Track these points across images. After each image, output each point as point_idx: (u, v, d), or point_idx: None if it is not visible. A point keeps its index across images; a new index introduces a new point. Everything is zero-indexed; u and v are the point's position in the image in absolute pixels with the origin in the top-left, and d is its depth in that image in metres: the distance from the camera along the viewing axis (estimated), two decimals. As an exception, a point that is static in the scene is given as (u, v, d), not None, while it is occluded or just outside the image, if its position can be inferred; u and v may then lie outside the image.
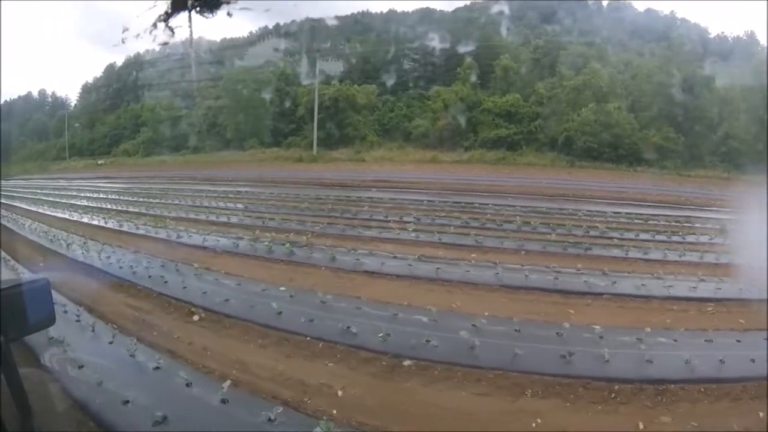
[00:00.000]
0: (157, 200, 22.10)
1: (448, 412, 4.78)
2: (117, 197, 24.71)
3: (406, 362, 5.56)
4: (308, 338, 6.31)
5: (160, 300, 8.26)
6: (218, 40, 52.71)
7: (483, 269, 8.93)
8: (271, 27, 54.20)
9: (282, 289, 7.94)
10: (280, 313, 6.90)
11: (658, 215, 16.44)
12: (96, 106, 49.67)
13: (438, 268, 8.97)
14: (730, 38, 48.17)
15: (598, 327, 6.31)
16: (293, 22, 52.63)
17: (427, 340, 5.84)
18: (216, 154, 43.05)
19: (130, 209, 19.82)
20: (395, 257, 9.58)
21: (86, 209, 21.02)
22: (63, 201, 25.11)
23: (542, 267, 8.94)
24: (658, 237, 12.78)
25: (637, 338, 6.01)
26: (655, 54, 45.22)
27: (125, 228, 15.24)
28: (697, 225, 14.98)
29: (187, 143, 43.95)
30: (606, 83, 39.02)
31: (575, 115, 37.52)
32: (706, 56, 40.78)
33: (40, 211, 22.42)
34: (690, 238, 12.83)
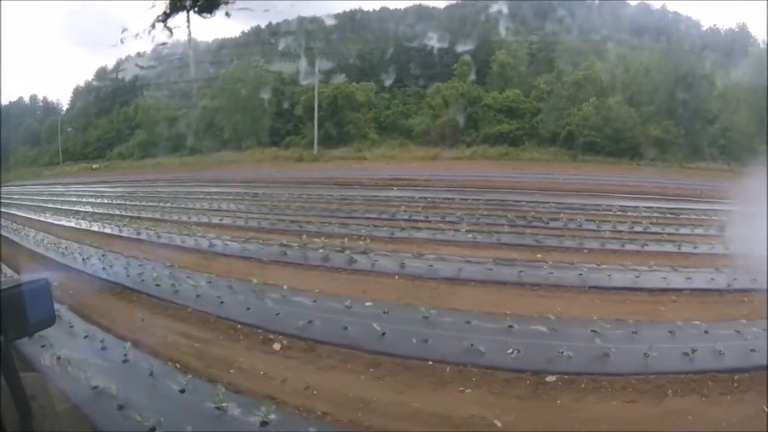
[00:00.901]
0: (169, 204, 21.35)
1: (612, 425, 4.49)
2: (123, 202, 23.90)
3: (549, 378, 5.23)
4: (429, 362, 5.78)
5: (221, 325, 7.30)
6: (210, 40, 51.70)
7: (562, 270, 8.67)
8: (263, 26, 53.69)
9: (368, 304, 7.30)
10: (383, 334, 6.29)
11: (689, 209, 16.39)
12: (88, 110, 48.35)
13: (521, 271, 8.62)
14: (722, 31, 48.71)
15: (697, 322, 6.23)
16: (285, 21, 51.98)
17: (560, 352, 5.53)
18: (213, 155, 42.17)
19: (144, 215, 19.06)
20: (469, 261, 9.19)
21: (94, 216, 20.17)
22: (65, 207, 24.23)
23: (619, 266, 8.73)
24: (708, 231, 12.65)
25: (735, 330, 5.96)
26: (648, 47, 45.75)
27: (145, 236, 14.49)
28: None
29: (182, 144, 42.97)
30: (606, 78, 39.09)
31: (576, 110, 37.61)
32: (703, 50, 41.17)
33: (42, 219, 21.44)
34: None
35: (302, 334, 6.56)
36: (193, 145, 43.01)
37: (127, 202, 23.81)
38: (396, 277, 8.75)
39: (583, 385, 5.18)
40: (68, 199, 28.00)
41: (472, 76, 43.45)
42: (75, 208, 23.59)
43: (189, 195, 24.28)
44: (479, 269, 8.87)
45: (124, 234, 15.43)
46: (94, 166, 43.69)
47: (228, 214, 16.97)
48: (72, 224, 18.87)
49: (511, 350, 5.67)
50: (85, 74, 66.59)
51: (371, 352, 5.93)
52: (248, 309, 7.38)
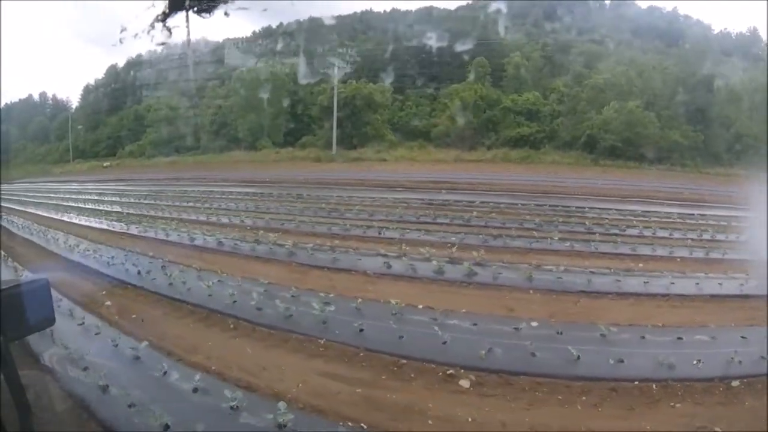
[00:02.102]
0: (206, 205, 20.61)
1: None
2: (153, 201, 23.05)
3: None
4: (628, 382, 5.38)
5: (377, 360, 5.99)
6: (221, 40, 51.19)
7: (679, 279, 8.63)
8: (274, 26, 53.21)
9: (534, 324, 6.71)
10: (578, 357, 5.76)
11: (734, 216, 16.22)
12: (99, 108, 47.53)
13: (618, 280, 8.56)
14: (733, 35, 49.11)
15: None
16: (296, 21, 51.50)
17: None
18: (227, 155, 41.71)
19: (185, 216, 18.14)
20: (568, 270, 8.87)
21: (128, 217, 19.00)
22: (90, 207, 23.29)
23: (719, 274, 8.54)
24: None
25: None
26: (659, 51, 45.97)
27: (207, 243, 13.08)
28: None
29: (195, 143, 42.35)
30: (624, 82, 39.13)
31: (596, 114, 37.58)
32: (717, 55, 41.37)
33: (65, 218, 20.20)
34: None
35: (487, 365, 5.63)
36: (206, 144, 42.39)
37: (158, 202, 22.99)
38: (530, 291, 8.24)
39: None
40: (89, 197, 27.10)
41: (487, 78, 43.52)
42: (101, 208, 22.68)
43: (225, 196, 23.49)
44: (607, 281, 8.51)
45: (173, 239, 14.11)
46: (105, 164, 43.03)
47: (289, 218, 15.86)
48: (104, 226, 17.66)
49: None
50: (95, 73, 66.59)
51: (571, 378, 5.45)
52: (401, 337, 6.24)
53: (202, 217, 17.70)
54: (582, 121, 37.90)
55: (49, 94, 52.61)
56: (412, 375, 5.65)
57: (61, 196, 28.70)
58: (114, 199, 26.01)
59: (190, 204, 21.33)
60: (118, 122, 45.77)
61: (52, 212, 22.58)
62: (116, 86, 48.23)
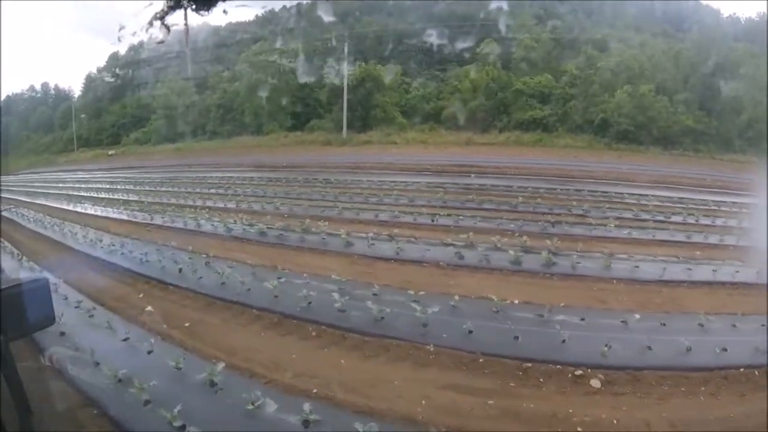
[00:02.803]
0: (231, 191, 20.10)
1: None
2: (172, 189, 22.43)
3: None
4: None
5: (500, 366, 5.69)
6: (223, 24, 49.90)
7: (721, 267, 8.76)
8: (277, 10, 51.98)
9: (637, 316, 6.41)
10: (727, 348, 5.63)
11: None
12: (102, 96, 46.43)
13: (688, 269, 8.57)
14: (742, 19, 48.57)
15: None
16: (298, 4, 50.36)
17: None
18: (235, 140, 40.91)
19: (213, 204, 17.64)
20: (642, 259, 8.73)
21: (149, 206, 18.19)
22: (103, 196, 22.58)
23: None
24: None
25: None
26: (669, 35, 45.49)
27: (243, 233, 12.47)
28: None
29: (201, 129, 41.55)
30: (638, 66, 38.71)
31: (608, 98, 37.22)
32: (728, 40, 40.89)
33: (79, 209, 19.51)
34: None
35: (612, 362, 5.44)
36: (213, 129, 41.59)
37: (178, 189, 22.45)
38: (613, 281, 8.07)
39: None
40: (101, 186, 26.51)
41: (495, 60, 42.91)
42: (117, 197, 22.12)
43: (250, 181, 22.90)
44: (678, 269, 8.42)
45: (207, 229, 13.32)
46: (110, 152, 42.20)
47: (327, 204, 15.34)
48: (125, 217, 16.92)
49: None
50: (96, 61, 65.59)
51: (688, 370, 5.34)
52: (516, 338, 5.94)
53: (231, 205, 17.12)
54: (595, 105, 37.49)
55: (51, 84, 51.43)
56: (541, 379, 5.43)
57: (71, 185, 28.09)
58: (129, 187, 25.48)
59: (214, 191, 20.79)
60: (121, 110, 44.78)
61: (64, 203, 21.99)
62: (119, 73, 47.07)
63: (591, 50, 41.15)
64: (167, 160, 35.39)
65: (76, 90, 50.55)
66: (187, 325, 7.17)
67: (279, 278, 8.40)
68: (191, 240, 12.17)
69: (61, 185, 28.81)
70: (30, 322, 1.59)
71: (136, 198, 21.33)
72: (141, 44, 46.08)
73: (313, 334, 6.72)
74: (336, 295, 7.26)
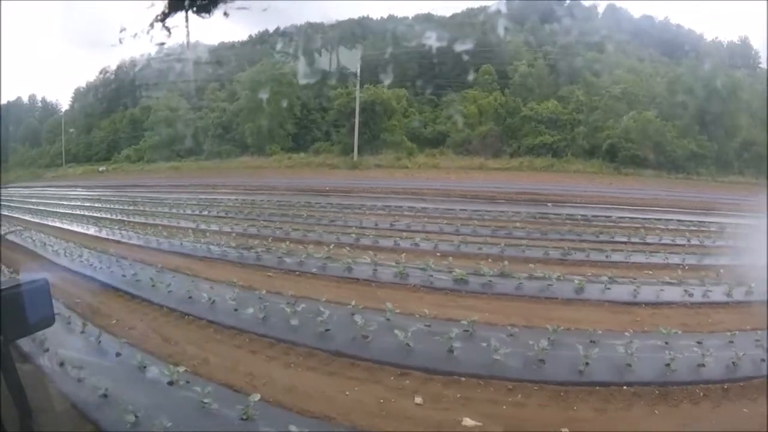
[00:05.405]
0: (261, 218, 18.34)
1: None
2: (194, 212, 20.47)
3: None
4: None
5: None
6: (216, 43, 48.71)
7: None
8: (271, 31, 51.33)
9: None
10: None
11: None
12: (90, 111, 44.25)
13: None
14: (724, 43, 50.69)
15: None
16: (293, 25, 49.83)
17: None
18: (235, 160, 39.32)
19: (244, 230, 15.80)
20: None
21: (179, 231, 16.09)
22: (118, 218, 20.36)
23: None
24: None
25: None
26: (655, 59, 47.14)
27: (300, 264, 10.82)
28: None
29: (198, 148, 39.65)
30: (641, 91, 39.70)
31: (614, 123, 37.87)
32: (724, 65, 42.52)
33: (94, 233, 17.21)
34: None
35: None
36: (210, 148, 39.77)
37: (201, 213, 20.44)
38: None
39: None
40: (110, 206, 24.25)
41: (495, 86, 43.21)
42: (132, 219, 19.88)
43: (277, 205, 21.24)
44: None
45: (251, 260, 11.55)
46: (101, 169, 39.99)
47: (382, 233, 14.04)
48: (153, 244, 14.44)
49: None
50: (86, 75, 64.79)
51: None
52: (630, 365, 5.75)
53: (266, 231, 15.25)
54: (602, 130, 38.05)
55: (39, 97, 49.47)
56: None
57: (76, 203, 25.74)
58: (142, 208, 23.42)
59: (243, 216, 19.03)
60: (111, 125, 42.67)
61: (65, 223, 19.80)
62: (110, 88, 44.96)
63: (590, 76, 42.04)
64: (169, 179, 33.52)
65: (64, 103, 49.42)
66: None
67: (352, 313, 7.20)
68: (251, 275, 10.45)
69: (65, 203, 26.13)
70: (29, 323, 1.56)
71: (154, 220, 19.18)
72: (133, 59, 44.40)
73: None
74: (415, 334, 6.59)
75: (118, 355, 6.61)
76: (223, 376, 6.13)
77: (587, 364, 5.98)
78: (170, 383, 5.71)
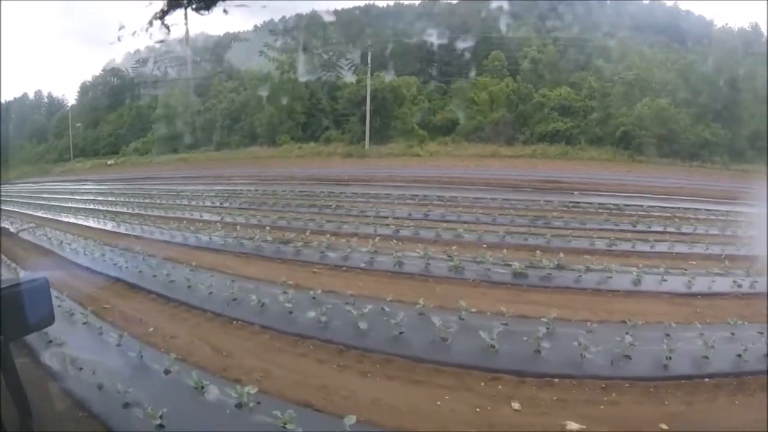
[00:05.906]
0: (296, 209, 18.08)
1: None
2: (220, 204, 20.18)
3: None
4: None
5: None
6: (221, 34, 47.98)
7: None
8: (276, 20, 50.59)
9: None
10: None
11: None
12: (97, 105, 43.79)
13: None
14: (735, 29, 49.92)
15: None
16: (297, 15, 49.15)
17: None
18: (245, 151, 38.91)
19: (280, 222, 15.36)
20: None
21: (212, 225, 15.82)
22: (138, 212, 20.01)
23: None
24: None
25: None
26: (664, 46, 46.50)
27: (368, 262, 10.27)
28: None
29: (207, 139, 39.21)
30: (656, 79, 39.23)
31: (627, 110, 37.45)
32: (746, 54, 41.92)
33: (119, 230, 16.46)
34: None
35: None
36: (219, 139, 39.34)
37: (230, 205, 20.20)
38: None
39: None
40: (127, 200, 23.92)
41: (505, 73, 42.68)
42: (156, 213, 19.44)
43: (305, 195, 20.89)
44: None
45: (306, 257, 10.91)
46: (109, 162, 39.66)
47: (434, 225, 13.59)
48: (191, 241, 13.70)
49: None
50: (91, 69, 64.50)
51: None
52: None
53: (297, 223, 14.78)
54: (616, 117, 37.63)
55: (45, 93, 49.29)
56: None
57: (89, 198, 25.43)
58: (159, 201, 23.02)
59: (268, 208, 18.69)
60: (118, 119, 42.43)
61: (80, 218, 19.44)
62: (116, 83, 44.53)
63: (601, 62, 41.56)
64: (177, 171, 33.27)
65: (71, 98, 48.71)
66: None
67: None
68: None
69: (77, 197, 25.88)
70: (29, 322, 1.56)
71: (180, 213, 18.70)
72: (137, 51, 43.92)
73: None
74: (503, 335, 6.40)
75: (167, 372, 5.81)
76: (295, 392, 5.51)
77: (669, 357, 5.92)
78: (238, 405, 4.99)
